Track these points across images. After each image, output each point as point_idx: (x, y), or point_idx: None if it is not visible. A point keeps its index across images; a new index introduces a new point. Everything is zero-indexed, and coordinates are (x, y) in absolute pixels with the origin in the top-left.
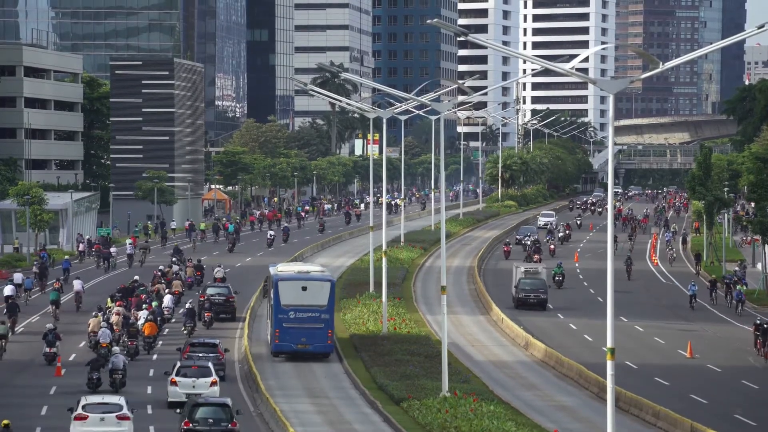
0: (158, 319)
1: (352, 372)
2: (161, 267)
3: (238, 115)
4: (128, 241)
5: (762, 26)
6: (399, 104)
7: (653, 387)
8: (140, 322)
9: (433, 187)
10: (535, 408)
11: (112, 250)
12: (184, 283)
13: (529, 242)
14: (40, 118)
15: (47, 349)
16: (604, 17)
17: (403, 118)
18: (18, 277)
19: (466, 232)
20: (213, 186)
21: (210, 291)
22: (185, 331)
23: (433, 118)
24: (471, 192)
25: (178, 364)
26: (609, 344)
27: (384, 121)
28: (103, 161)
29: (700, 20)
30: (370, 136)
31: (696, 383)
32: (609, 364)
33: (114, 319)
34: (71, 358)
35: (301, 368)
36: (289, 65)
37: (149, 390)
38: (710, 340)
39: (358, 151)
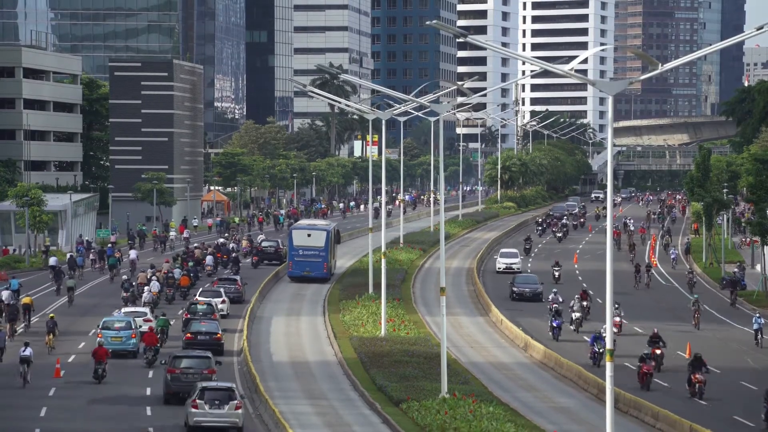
0: (191, 274)
1: (352, 373)
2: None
3: (237, 117)
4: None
5: (761, 27)
6: (398, 105)
7: (652, 388)
8: (176, 276)
9: (431, 188)
10: (535, 409)
11: (171, 234)
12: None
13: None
14: (39, 120)
15: (124, 294)
16: (603, 18)
17: (402, 119)
18: (53, 259)
19: (465, 234)
20: (212, 187)
21: (264, 244)
22: (230, 273)
23: (433, 119)
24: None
25: (201, 290)
26: (608, 346)
27: (383, 122)
28: (102, 162)
29: (699, 21)
30: (369, 138)
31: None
32: (608, 365)
33: (159, 275)
34: (70, 360)
35: (301, 369)
36: (288, 66)
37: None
38: (709, 341)
39: (357, 153)
